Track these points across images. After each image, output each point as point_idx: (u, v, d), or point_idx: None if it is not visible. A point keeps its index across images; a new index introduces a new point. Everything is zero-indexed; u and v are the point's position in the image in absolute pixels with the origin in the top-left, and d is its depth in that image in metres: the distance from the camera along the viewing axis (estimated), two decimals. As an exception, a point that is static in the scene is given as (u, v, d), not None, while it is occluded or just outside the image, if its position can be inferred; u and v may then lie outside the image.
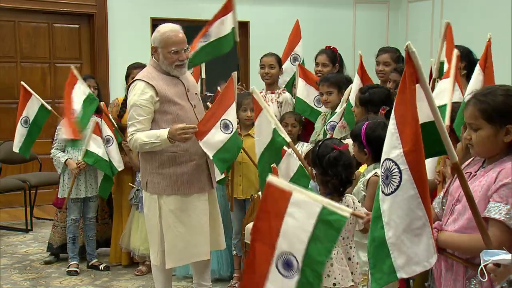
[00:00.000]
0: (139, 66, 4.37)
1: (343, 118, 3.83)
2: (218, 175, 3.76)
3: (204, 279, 3.67)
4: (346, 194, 2.68)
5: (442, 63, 3.50)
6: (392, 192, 1.84)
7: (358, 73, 3.86)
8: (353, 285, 2.60)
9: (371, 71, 4.23)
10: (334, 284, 2.54)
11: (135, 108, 3.33)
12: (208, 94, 4.48)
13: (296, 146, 3.63)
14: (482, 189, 1.93)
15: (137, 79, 3.41)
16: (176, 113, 3.38)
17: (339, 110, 3.90)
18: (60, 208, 4.73)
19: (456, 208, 2.04)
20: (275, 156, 3.07)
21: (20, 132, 4.47)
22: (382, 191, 1.88)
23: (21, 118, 4.45)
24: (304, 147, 3.99)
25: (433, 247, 1.84)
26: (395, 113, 1.85)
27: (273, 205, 1.92)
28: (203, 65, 4.66)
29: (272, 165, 2.78)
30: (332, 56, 4.52)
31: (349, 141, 3.03)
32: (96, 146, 4.41)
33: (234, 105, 3.42)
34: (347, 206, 2.55)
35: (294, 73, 4.69)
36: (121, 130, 4.49)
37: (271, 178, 1.93)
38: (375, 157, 2.83)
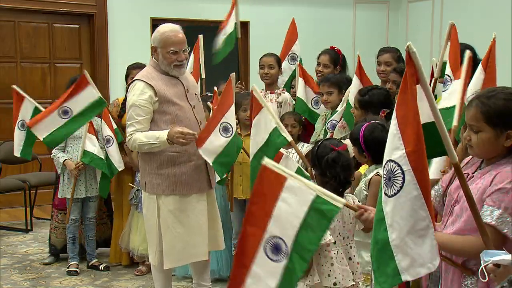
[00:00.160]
0: (139, 66, 4.37)
1: (343, 118, 3.84)
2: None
3: (204, 279, 3.67)
4: (346, 194, 2.68)
5: (444, 64, 3.49)
6: (395, 194, 1.82)
7: (357, 74, 3.85)
8: (353, 285, 2.60)
9: (372, 71, 4.22)
10: (335, 284, 2.54)
11: (134, 108, 3.33)
12: (209, 94, 4.47)
13: (296, 146, 3.63)
14: (479, 192, 1.93)
15: (136, 79, 3.41)
16: (175, 113, 3.38)
17: (340, 108, 3.90)
18: (62, 210, 4.74)
19: (455, 210, 2.03)
20: (271, 157, 3.05)
21: (19, 136, 4.44)
22: (385, 193, 1.87)
23: (17, 122, 4.42)
24: (304, 148, 3.98)
25: (437, 249, 1.83)
26: (396, 113, 1.84)
27: (267, 188, 1.89)
28: (203, 65, 4.67)
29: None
30: (335, 57, 4.49)
31: (348, 141, 3.03)
32: (91, 145, 4.41)
33: (233, 107, 3.42)
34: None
35: (292, 73, 4.69)
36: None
37: (267, 160, 1.90)
38: (375, 159, 2.85)
